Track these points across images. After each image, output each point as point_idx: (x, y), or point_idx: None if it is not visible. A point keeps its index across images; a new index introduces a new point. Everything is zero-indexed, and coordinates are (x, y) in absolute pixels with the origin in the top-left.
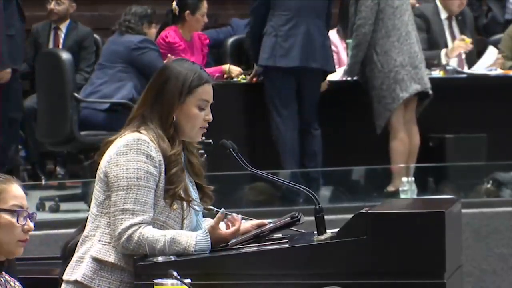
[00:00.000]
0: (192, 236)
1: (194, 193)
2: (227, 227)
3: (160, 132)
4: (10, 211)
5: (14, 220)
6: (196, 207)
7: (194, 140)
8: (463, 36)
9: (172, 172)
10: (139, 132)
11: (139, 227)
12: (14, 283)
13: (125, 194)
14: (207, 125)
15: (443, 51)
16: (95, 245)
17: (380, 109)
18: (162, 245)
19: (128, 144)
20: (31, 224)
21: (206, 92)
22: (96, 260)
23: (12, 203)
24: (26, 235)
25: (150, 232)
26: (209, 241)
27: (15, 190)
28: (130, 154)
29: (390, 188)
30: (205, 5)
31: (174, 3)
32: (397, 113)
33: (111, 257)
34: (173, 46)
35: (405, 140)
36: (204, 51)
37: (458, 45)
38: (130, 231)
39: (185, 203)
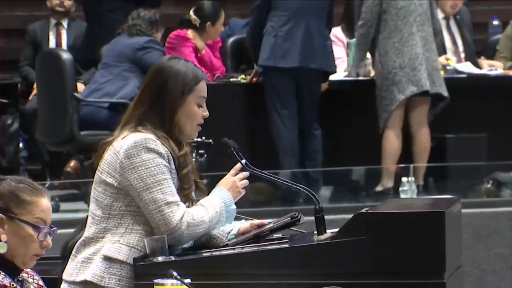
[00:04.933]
0: (216, 198)
1: None
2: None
3: (161, 133)
4: (34, 226)
5: (35, 234)
6: None
7: (190, 138)
8: (447, 56)
9: (183, 172)
10: (141, 132)
11: (187, 213)
12: (33, 278)
13: (159, 189)
14: (203, 121)
15: None
16: (106, 245)
17: (381, 110)
18: (209, 215)
19: (137, 145)
20: (50, 241)
21: (204, 89)
22: (106, 258)
23: (38, 217)
24: (42, 250)
25: (193, 211)
26: (229, 194)
27: (44, 203)
28: (142, 154)
29: (378, 188)
30: (223, 14)
31: (192, 13)
32: (393, 115)
33: (120, 255)
34: (187, 42)
35: (395, 143)
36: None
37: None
38: (184, 218)
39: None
